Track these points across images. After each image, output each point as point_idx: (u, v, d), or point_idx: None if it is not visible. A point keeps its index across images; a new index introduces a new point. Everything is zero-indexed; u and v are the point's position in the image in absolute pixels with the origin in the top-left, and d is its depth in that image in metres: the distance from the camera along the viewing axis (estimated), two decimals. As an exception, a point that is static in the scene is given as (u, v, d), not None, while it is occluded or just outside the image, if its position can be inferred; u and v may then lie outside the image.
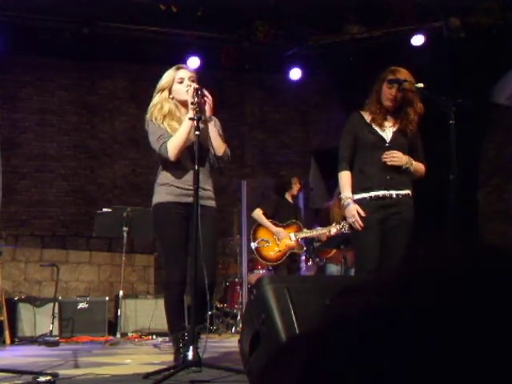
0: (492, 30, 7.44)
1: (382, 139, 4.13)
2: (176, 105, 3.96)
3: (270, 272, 6.81)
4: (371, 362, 0.54)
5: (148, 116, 3.98)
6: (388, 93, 4.09)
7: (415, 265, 0.60)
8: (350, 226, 4.21)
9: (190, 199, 3.71)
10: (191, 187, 3.71)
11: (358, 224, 4.01)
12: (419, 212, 4.19)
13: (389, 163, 4.06)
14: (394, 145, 4.12)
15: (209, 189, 3.99)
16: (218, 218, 4.22)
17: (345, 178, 4.15)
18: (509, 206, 8.07)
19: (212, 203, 4.00)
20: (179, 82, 3.92)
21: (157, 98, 3.96)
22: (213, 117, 3.98)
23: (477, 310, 0.53)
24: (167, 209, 3.89)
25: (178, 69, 4.00)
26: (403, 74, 4.08)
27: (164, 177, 3.94)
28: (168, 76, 3.97)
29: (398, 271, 0.62)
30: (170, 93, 3.95)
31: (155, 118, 3.91)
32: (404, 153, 4.14)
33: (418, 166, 4.16)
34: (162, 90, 3.95)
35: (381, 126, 4.14)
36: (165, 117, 3.91)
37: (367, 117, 4.17)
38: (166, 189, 3.90)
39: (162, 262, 4.20)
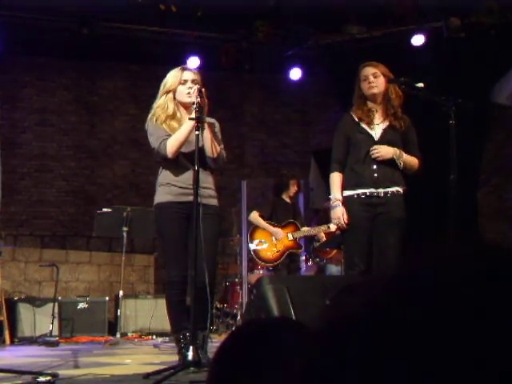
0: (492, 30, 7.44)
1: (371, 137, 4.16)
2: (177, 105, 3.99)
3: (269, 272, 6.79)
4: (371, 362, 0.54)
5: (150, 116, 4.01)
6: (367, 83, 4.16)
7: (415, 264, 0.60)
8: (338, 227, 4.29)
9: (190, 198, 3.72)
10: (191, 186, 3.73)
11: (341, 225, 4.13)
12: (419, 212, 4.19)
13: (378, 159, 4.08)
14: (383, 141, 4.14)
15: (209, 187, 4.00)
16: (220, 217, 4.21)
17: (335, 179, 4.22)
18: (509, 206, 8.07)
19: (213, 201, 4.01)
20: (182, 84, 3.95)
21: (163, 99, 3.99)
22: (213, 119, 4.02)
23: (477, 310, 0.53)
24: (167, 208, 3.92)
25: (183, 70, 4.03)
26: (380, 67, 4.18)
27: (164, 177, 3.97)
28: (174, 77, 4.00)
29: (397, 271, 0.62)
30: (174, 94, 3.98)
31: (157, 119, 3.96)
32: (395, 148, 4.16)
33: (410, 159, 4.17)
34: (168, 92, 3.98)
35: (369, 123, 4.18)
36: (167, 118, 3.95)
37: (356, 117, 4.22)
38: (166, 188, 3.94)
39: (164, 261, 4.20)
